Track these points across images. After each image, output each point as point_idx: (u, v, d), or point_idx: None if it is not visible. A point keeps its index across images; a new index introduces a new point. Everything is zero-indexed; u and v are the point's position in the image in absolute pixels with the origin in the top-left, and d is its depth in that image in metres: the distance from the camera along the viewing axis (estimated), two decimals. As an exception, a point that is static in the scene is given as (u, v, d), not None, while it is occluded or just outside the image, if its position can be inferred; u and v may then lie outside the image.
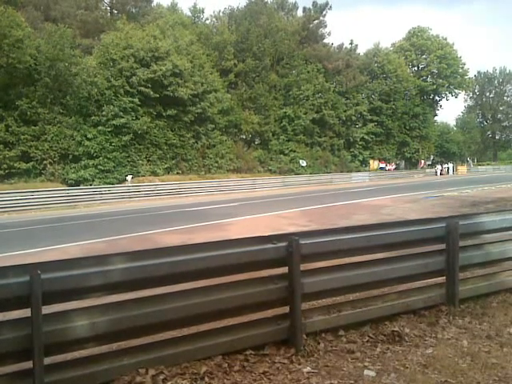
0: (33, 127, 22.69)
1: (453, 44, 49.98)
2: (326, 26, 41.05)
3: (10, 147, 21.88)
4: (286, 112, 35.15)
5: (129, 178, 24.53)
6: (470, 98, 69.38)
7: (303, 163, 35.03)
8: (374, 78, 42.78)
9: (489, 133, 68.78)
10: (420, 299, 4.31)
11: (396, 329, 3.84)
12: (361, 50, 44.00)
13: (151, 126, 26.19)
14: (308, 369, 3.20)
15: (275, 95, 35.42)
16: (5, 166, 21.59)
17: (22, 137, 22.17)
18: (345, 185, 32.40)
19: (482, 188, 22.68)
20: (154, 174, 26.58)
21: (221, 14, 38.93)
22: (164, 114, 27.00)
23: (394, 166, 44.39)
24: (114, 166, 24.50)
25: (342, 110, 38.38)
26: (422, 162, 48.22)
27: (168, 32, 28.48)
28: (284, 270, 3.58)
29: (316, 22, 40.63)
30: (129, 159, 25.53)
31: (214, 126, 30.37)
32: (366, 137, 40.69)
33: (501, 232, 5.05)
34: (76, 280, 2.84)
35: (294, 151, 35.06)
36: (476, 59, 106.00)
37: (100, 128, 24.16)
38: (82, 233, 11.18)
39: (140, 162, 26.03)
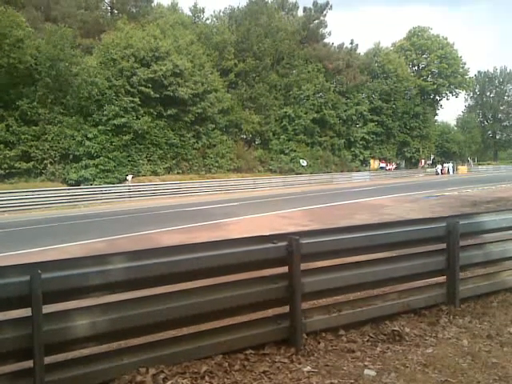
0: (33, 127, 22.69)
1: (453, 44, 50.03)
2: (326, 26, 41.09)
3: (10, 147, 21.88)
4: (286, 112, 35.15)
5: (129, 177, 24.55)
6: (471, 97, 69.41)
7: (304, 163, 35.02)
8: (374, 78, 42.76)
9: (489, 132, 68.72)
10: (420, 299, 4.31)
11: (396, 328, 3.84)
12: (361, 50, 44.06)
13: (152, 126, 26.20)
14: (308, 368, 3.20)
15: (275, 95, 35.40)
16: (5, 165, 21.59)
17: (23, 136, 22.17)
18: (345, 184, 32.41)
19: (483, 187, 22.66)
20: (155, 173, 26.59)
21: (221, 13, 39.01)
22: (164, 113, 27.00)
23: (394, 166, 44.39)
24: (114, 166, 24.50)
25: (343, 110, 38.38)
26: (423, 161, 48.21)
27: (168, 32, 28.48)
28: (284, 269, 3.58)
29: (316, 21, 40.61)
30: (129, 159, 25.54)
31: (214, 125, 30.37)
32: (366, 136, 40.68)
33: (501, 231, 5.05)
34: (76, 279, 2.85)
35: (295, 151, 35.05)
36: (477, 59, 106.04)
37: (100, 128, 24.16)
38: (82, 232, 11.19)
39: (140, 161, 26.03)
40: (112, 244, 9.01)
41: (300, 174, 34.37)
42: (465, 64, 50.67)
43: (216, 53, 32.44)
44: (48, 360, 2.74)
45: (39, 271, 2.65)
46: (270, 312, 3.65)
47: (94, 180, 23.62)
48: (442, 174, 44.94)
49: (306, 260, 3.65)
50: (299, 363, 3.29)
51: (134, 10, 34.16)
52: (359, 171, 39.68)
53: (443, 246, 4.44)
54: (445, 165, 47.68)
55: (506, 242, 5.00)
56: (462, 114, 69.66)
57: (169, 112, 26.99)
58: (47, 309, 2.73)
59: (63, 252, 8.05)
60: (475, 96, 69.26)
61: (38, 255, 7.63)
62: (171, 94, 26.39)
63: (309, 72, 36.52)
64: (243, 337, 3.43)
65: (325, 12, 40.36)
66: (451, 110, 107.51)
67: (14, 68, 21.77)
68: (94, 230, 11.98)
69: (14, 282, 2.65)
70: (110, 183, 23.89)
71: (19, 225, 13.63)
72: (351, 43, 42.35)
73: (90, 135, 23.73)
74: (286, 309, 3.61)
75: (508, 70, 66.96)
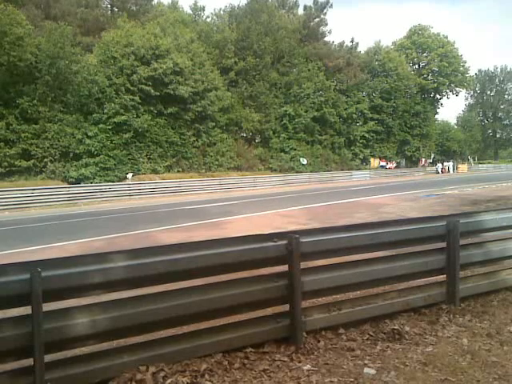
0: (33, 125, 22.67)
1: (454, 42, 50.00)
2: (326, 24, 41.02)
3: (10, 145, 21.85)
4: (286, 110, 35.11)
5: (129, 175, 24.53)
6: (471, 96, 69.50)
7: (304, 161, 35.00)
8: (374, 76, 42.73)
9: (489, 131, 68.77)
10: (420, 297, 4.31)
11: (396, 327, 3.85)
12: (362, 48, 44.02)
13: (152, 124, 26.19)
14: (308, 367, 3.20)
15: (276, 93, 35.37)
16: (5, 163, 21.57)
17: (23, 135, 22.15)
18: (345, 183, 32.40)
19: (483, 186, 22.65)
20: (155, 171, 26.59)
21: (221, 11, 38.94)
22: (165, 111, 26.99)
23: (394, 165, 44.36)
24: (114, 164, 24.48)
25: (343, 108, 38.36)
26: (423, 160, 48.18)
27: (168, 30, 28.42)
28: (284, 268, 3.58)
29: (317, 20, 40.55)
30: (129, 157, 25.52)
31: (214, 124, 30.34)
32: (366, 135, 40.65)
33: (501, 230, 5.04)
34: (76, 278, 2.85)
35: (295, 149, 35.03)
36: (477, 57, 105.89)
37: (101, 126, 24.12)
38: (81, 231, 11.19)
39: (141, 159, 26.02)
40: (111, 242, 9.00)
41: (300, 172, 34.37)
42: (465, 62, 50.71)
43: (216, 51, 32.38)
44: (48, 358, 2.74)
45: (39, 269, 2.65)
46: (270, 310, 3.65)
47: (94, 178, 23.61)
48: (442, 172, 44.92)
49: (305, 258, 3.65)
50: (299, 361, 3.30)
51: (134, 8, 34.13)
52: (359, 170, 39.67)
53: (443, 244, 4.43)
54: (445, 163, 47.66)
55: (506, 240, 5.00)
56: (462, 112, 69.84)
57: (169, 110, 26.99)
58: (47, 307, 2.73)
59: (62, 250, 8.05)
60: (475, 95, 69.29)
61: (37, 253, 7.63)
62: (171, 92, 26.37)
63: (309, 70, 36.47)
64: (243, 335, 3.44)
65: (325, 10, 40.36)
66: (451, 108, 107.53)
67: (14, 66, 21.75)
68: (94, 228, 11.97)
69: (15, 280, 2.65)
70: (110, 181, 23.88)
71: (19, 223, 13.63)
72: (351, 41, 42.32)
73: (90, 133, 23.70)
74: (285, 307, 3.61)
75: (508, 69, 67.11)
